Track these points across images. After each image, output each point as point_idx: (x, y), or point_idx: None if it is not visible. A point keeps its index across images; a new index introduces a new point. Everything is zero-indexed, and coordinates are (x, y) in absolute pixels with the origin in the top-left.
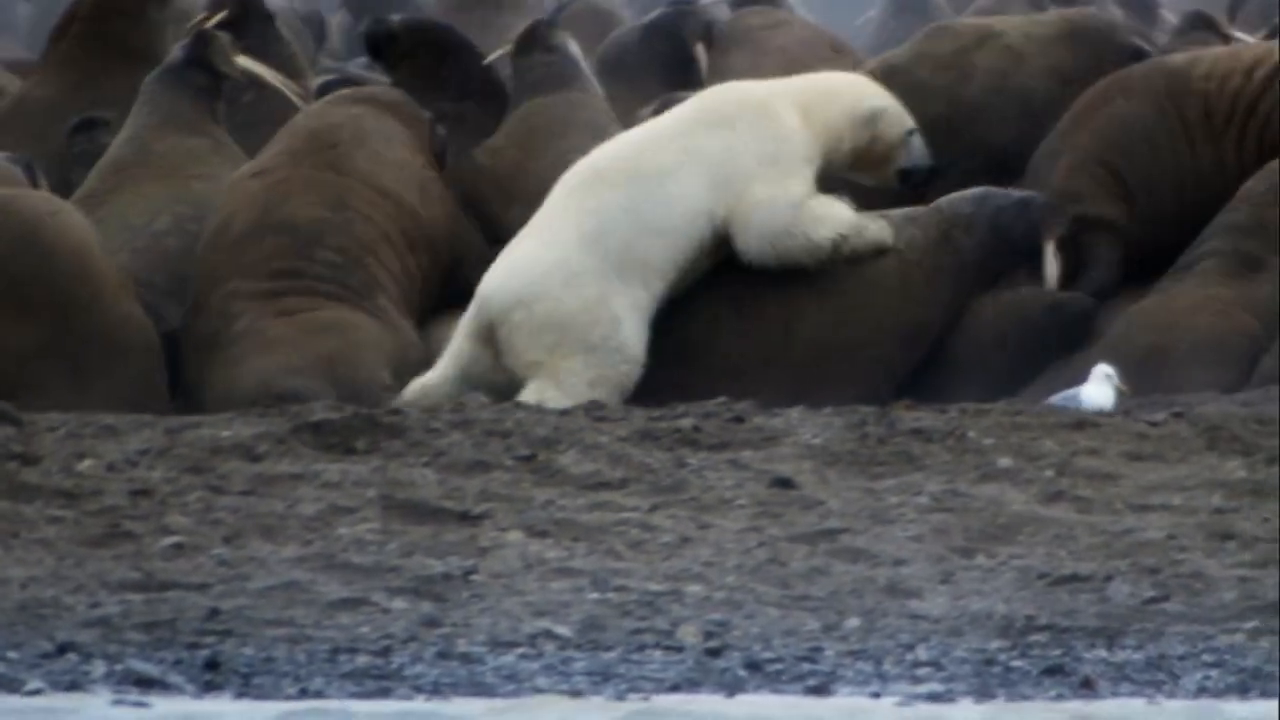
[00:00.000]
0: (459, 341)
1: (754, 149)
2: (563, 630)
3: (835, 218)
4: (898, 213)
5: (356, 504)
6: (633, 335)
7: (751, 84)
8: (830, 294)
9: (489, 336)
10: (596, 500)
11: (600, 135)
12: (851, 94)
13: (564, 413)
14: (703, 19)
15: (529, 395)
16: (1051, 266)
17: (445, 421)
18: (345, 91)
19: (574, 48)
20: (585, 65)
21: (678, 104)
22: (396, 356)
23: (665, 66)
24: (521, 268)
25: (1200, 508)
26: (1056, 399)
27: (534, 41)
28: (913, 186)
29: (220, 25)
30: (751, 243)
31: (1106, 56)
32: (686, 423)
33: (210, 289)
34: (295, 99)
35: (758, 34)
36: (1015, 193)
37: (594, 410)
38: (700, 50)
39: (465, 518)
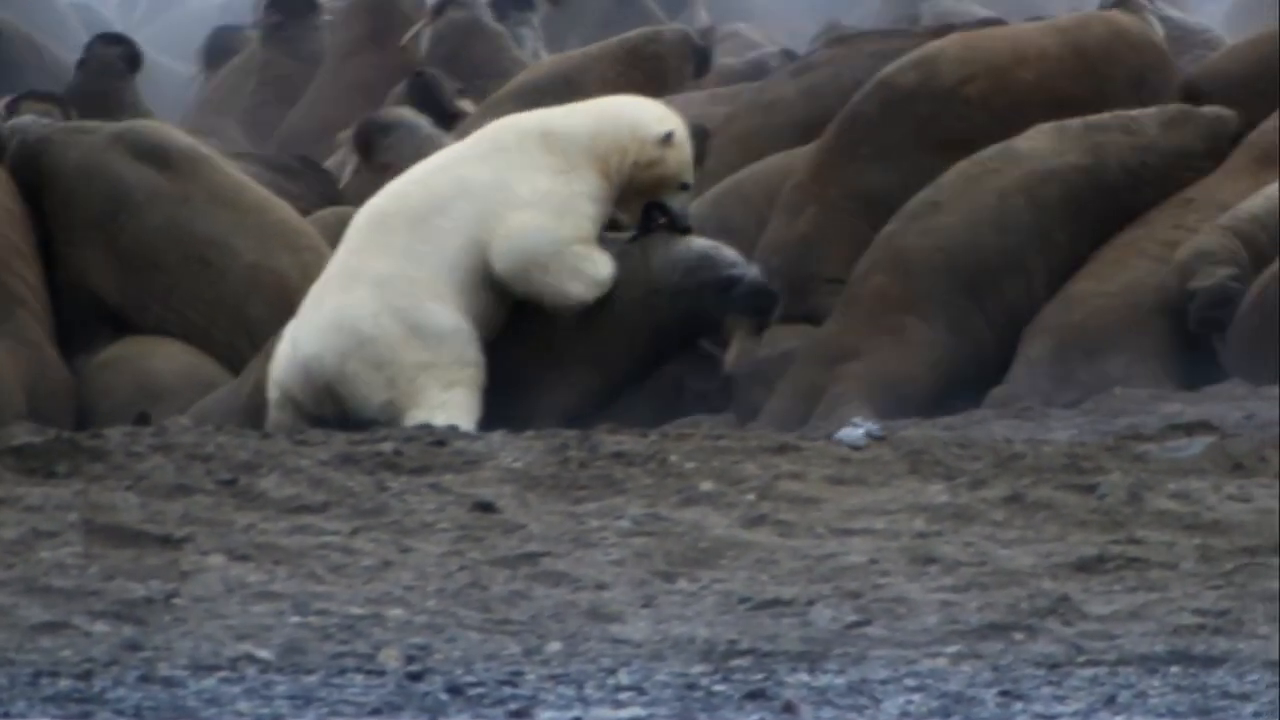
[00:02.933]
0: (290, 397)
1: (528, 182)
2: (264, 654)
3: (596, 279)
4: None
5: (58, 528)
6: (461, 345)
7: (535, 114)
8: (523, 330)
9: (328, 395)
10: (297, 524)
11: None
12: (648, 115)
13: (265, 436)
14: (449, 82)
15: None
16: (733, 352)
17: (147, 445)
18: None
19: None
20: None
21: None
22: (33, 376)
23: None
24: (333, 323)
25: (902, 532)
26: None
27: None
28: (654, 227)
29: None
30: (505, 262)
31: None
32: (387, 446)
33: None
34: None
35: None
36: (726, 268)
37: (295, 434)
38: (467, 104)
39: (167, 541)
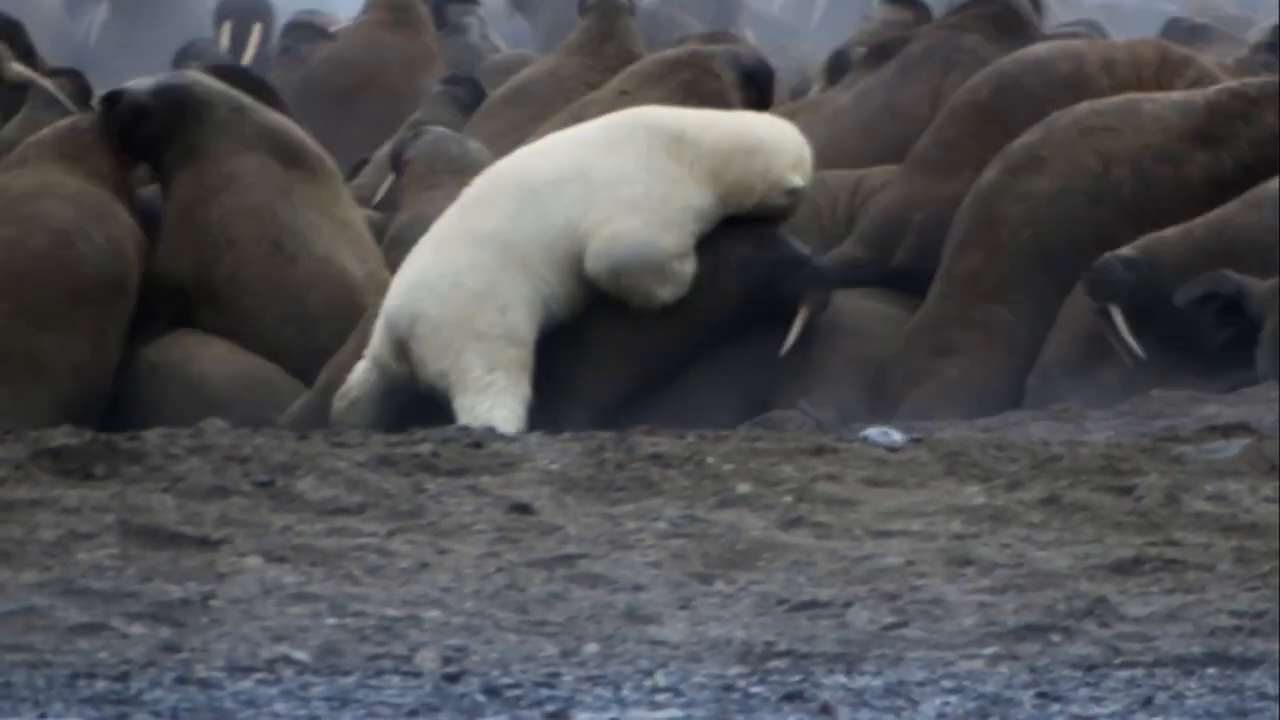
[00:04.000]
0: (378, 353)
1: (645, 183)
2: (301, 655)
3: (682, 283)
4: None
5: (95, 529)
6: (520, 321)
7: (674, 114)
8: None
9: (403, 352)
10: (334, 525)
11: None
12: (784, 161)
13: (302, 438)
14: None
15: (464, 419)
16: (794, 334)
17: (184, 447)
18: None
19: None
20: None
21: None
22: None
23: None
24: (416, 279)
25: (939, 533)
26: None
27: None
28: None
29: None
30: (599, 263)
31: None
32: (425, 448)
33: None
34: (69, 104)
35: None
36: (797, 246)
37: (332, 436)
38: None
39: (204, 543)
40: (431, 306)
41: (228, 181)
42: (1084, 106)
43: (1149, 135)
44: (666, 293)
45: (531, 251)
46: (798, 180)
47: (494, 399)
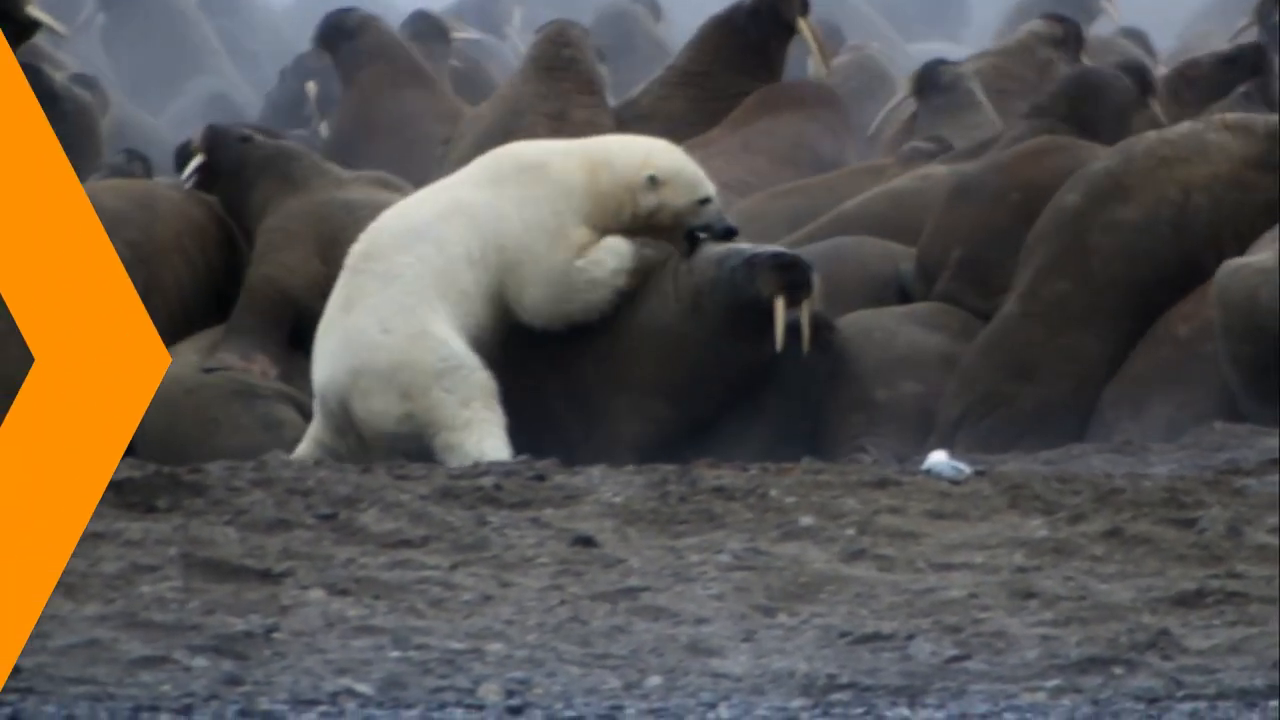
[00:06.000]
0: (317, 433)
1: (522, 213)
2: (364, 688)
3: (614, 269)
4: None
5: (158, 562)
6: (465, 349)
7: (533, 144)
8: (595, 354)
9: (346, 421)
10: (397, 558)
11: None
12: (634, 159)
13: (365, 470)
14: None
15: (453, 457)
16: (779, 327)
17: (247, 480)
18: None
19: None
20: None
21: None
22: None
23: None
24: (340, 343)
25: (1002, 566)
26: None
27: None
28: (698, 243)
29: None
30: (536, 313)
31: None
32: (488, 481)
33: None
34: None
35: None
36: (749, 250)
37: (395, 468)
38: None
39: (267, 576)
40: (367, 360)
41: (352, 219)
42: (1153, 136)
43: (1217, 164)
44: (603, 293)
45: (445, 292)
46: (645, 170)
47: (479, 431)
